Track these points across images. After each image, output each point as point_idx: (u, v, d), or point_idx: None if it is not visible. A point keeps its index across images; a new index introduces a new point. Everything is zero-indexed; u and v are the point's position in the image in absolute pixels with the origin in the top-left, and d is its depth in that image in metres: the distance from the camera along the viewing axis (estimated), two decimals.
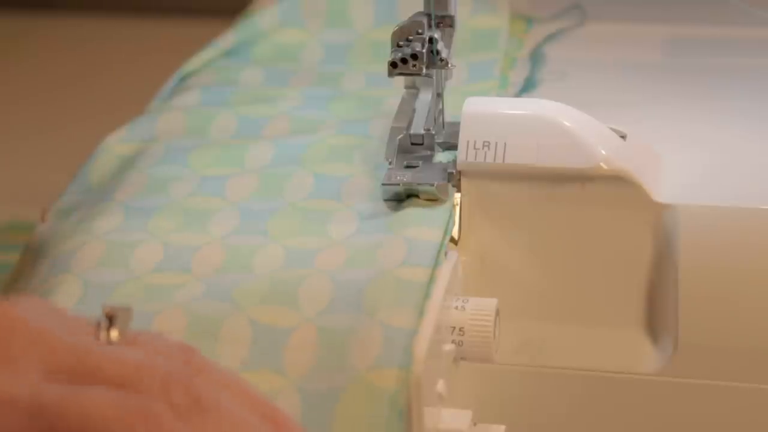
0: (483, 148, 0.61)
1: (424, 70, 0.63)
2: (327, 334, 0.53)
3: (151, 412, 0.42)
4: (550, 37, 0.83)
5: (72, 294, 0.56)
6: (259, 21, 0.84)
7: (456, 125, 0.63)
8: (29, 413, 0.41)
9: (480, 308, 0.58)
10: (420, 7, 0.65)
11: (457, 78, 0.69)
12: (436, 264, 0.56)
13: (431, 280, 0.56)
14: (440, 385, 0.55)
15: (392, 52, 0.63)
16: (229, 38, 0.83)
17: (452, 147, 0.65)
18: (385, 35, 0.65)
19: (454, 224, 0.61)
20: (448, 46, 0.65)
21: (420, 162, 0.64)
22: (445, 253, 0.58)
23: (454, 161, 0.62)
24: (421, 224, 0.59)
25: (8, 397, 0.41)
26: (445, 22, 0.66)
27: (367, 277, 0.55)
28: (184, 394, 0.43)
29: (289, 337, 0.53)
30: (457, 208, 0.62)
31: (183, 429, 0.42)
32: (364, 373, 0.51)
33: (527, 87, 0.76)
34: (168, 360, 0.44)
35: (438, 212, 0.60)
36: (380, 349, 0.51)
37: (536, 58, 0.80)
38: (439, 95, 0.66)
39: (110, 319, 0.45)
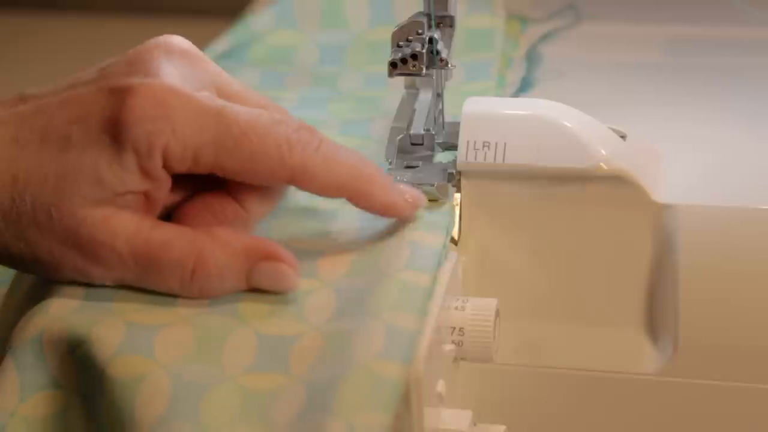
0: (483, 148, 0.61)
1: (424, 70, 0.63)
2: (332, 335, 0.53)
3: (294, 123, 0.54)
4: (546, 37, 0.83)
5: (73, 296, 0.56)
6: (255, 23, 0.84)
7: (456, 125, 0.63)
8: (215, 121, 0.53)
9: (480, 308, 0.58)
10: (416, 7, 0.65)
11: (454, 78, 0.69)
12: (438, 267, 0.57)
13: (433, 283, 0.56)
14: (440, 385, 0.55)
15: (392, 52, 0.63)
16: (224, 41, 0.83)
17: (452, 147, 0.65)
18: (381, 35, 0.65)
19: (454, 225, 0.61)
20: (447, 46, 0.65)
21: (420, 162, 0.64)
22: (446, 254, 0.58)
23: (454, 161, 0.62)
24: (422, 227, 0.59)
25: (202, 108, 0.53)
26: (445, 22, 0.66)
27: (370, 283, 0.55)
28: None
29: (295, 343, 0.53)
30: (457, 208, 0.62)
31: (320, 138, 0.55)
32: (366, 362, 0.51)
33: (524, 87, 0.76)
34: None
35: (439, 215, 0.60)
36: (383, 345, 0.52)
37: (532, 58, 0.80)
38: (438, 95, 0.66)
39: None
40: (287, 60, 0.81)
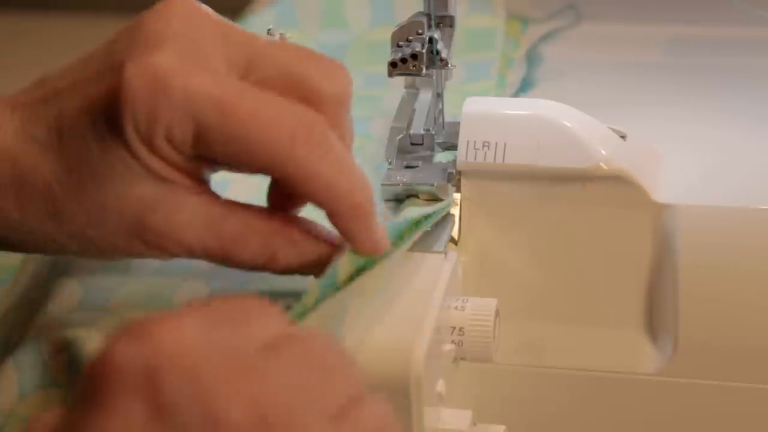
0: (483, 148, 0.61)
1: (424, 70, 0.63)
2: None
3: (305, 122, 0.50)
4: (546, 37, 0.83)
5: (72, 296, 0.56)
6: (256, 23, 0.84)
7: (456, 125, 0.63)
8: (211, 107, 0.49)
9: (480, 308, 0.58)
10: (416, 7, 0.65)
11: (454, 78, 0.69)
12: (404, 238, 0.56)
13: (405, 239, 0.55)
14: (440, 385, 0.55)
15: (392, 52, 0.63)
16: None
17: (452, 147, 0.65)
18: (382, 36, 0.65)
19: (453, 224, 0.61)
20: (447, 46, 0.65)
21: (420, 162, 0.64)
22: (446, 254, 0.58)
23: (454, 161, 0.62)
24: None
25: (198, 91, 0.49)
26: (445, 22, 0.66)
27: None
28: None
29: None
30: (457, 208, 0.62)
31: (332, 139, 0.51)
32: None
33: (524, 87, 0.76)
34: None
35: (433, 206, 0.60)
36: None
37: (533, 58, 0.80)
38: (438, 95, 0.66)
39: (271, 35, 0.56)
40: None
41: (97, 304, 0.55)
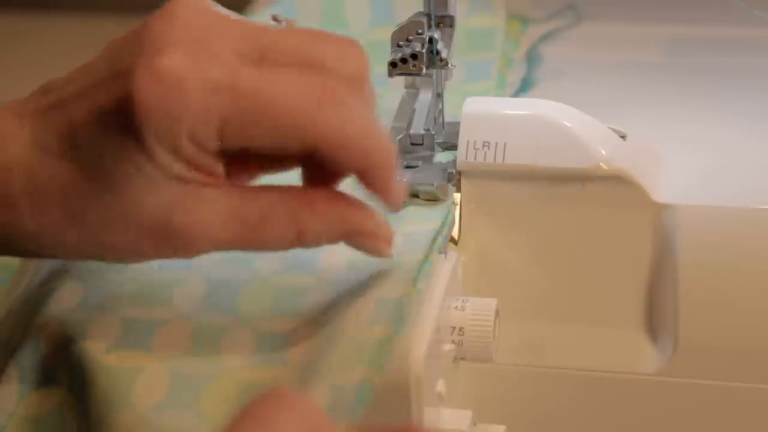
0: (483, 148, 0.61)
1: (424, 70, 0.63)
2: (327, 326, 0.53)
3: (329, 85, 0.50)
4: (546, 37, 0.83)
5: (72, 296, 0.56)
6: (255, 22, 0.84)
7: (456, 125, 0.63)
8: (231, 95, 0.49)
9: (480, 308, 0.58)
10: (416, 7, 0.65)
11: (454, 78, 0.69)
12: (431, 250, 0.56)
13: (425, 261, 0.56)
14: (440, 385, 0.55)
15: (392, 52, 0.63)
16: None
17: (452, 147, 0.65)
18: (382, 36, 0.65)
19: (453, 224, 0.61)
20: (447, 46, 0.65)
21: (420, 162, 0.64)
22: (445, 254, 0.58)
23: (454, 161, 0.62)
24: (419, 219, 0.59)
25: (214, 83, 0.49)
26: (445, 22, 0.66)
27: (365, 275, 0.55)
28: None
29: (292, 339, 0.53)
30: (457, 208, 0.62)
31: (357, 101, 0.51)
32: (352, 331, 0.52)
33: (524, 87, 0.76)
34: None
35: (436, 210, 0.60)
36: (373, 311, 0.52)
37: (532, 58, 0.80)
38: (438, 95, 0.66)
39: (277, 21, 0.55)
40: None
41: (97, 304, 0.55)
